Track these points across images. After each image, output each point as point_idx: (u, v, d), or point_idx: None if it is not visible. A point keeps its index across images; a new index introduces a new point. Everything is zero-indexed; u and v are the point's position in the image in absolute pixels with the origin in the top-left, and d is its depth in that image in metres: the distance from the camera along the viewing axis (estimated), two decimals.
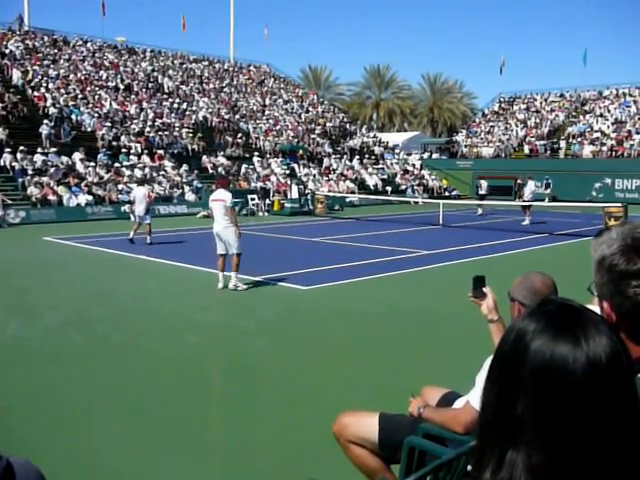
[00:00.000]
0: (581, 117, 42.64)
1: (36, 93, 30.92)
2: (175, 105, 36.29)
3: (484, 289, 3.16)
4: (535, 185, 23.12)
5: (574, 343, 0.91)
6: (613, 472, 0.90)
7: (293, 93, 48.69)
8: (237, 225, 10.04)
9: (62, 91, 31.89)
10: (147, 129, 31.53)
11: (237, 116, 39.05)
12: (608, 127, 39.39)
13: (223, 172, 30.44)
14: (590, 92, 45.70)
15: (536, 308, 1.00)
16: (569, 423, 0.89)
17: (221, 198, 10.12)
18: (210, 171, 30.70)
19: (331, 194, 29.52)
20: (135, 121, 32.12)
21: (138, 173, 27.28)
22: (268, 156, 35.25)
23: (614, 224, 17.77)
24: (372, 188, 35.35)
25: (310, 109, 45.83)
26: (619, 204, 20.18)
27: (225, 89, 42.98)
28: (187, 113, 35.94)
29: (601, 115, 41.52)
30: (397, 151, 45.12)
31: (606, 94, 44.59)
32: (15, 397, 5.40)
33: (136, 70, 39.65)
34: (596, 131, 39.50)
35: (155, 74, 40.26)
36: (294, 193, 27.30)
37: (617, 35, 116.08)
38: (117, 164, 27.38)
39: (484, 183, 27.90)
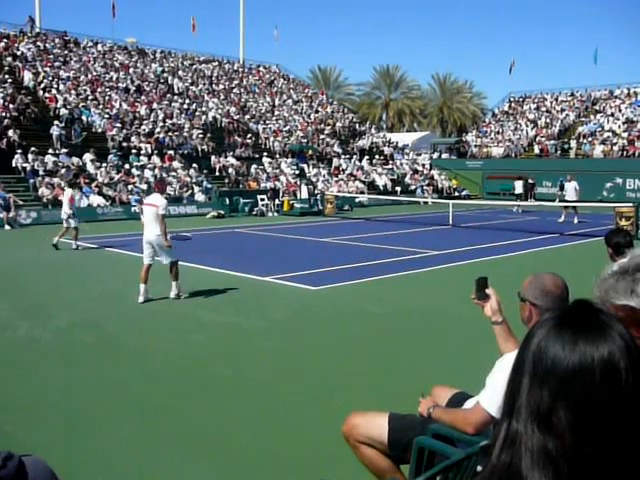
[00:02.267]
0: (592, 117, 42.40)
1: (47, 94, 31.11)
2: (185, 106, 36.40)
3: (487, 291, 3.14)
4: (575, 188, 23.05)
5: (569, 339, 0.95)
6: (625, 467, 0.92)
7: (302, 93, 48.72)
8: (166, 235, 9.20)
9: (73, 92, 32.08)
10: (157, 130, 31.65)
11: (247, 117, 39.12)
12: (619, 127, 39.13)
13: (234, 173, 30.53)
14: (601, 91, 45.43)
15: (557, 310, 1.04)
16: (555, 410, 0.93)
17: (153, 203, 9.34)
18: (220, 172, 30.79)
19: (340, 194, 29.50)
20: (145, 122, 32.25)
21: (148, 174, 27.41)
22: (278, 156, 35.29)
23: (625, 224, 17.68)
24: (381, 188, 35.31)
25: (319, 109, 45.84)
26: (630, 204, 20.03)
27: (235, 90, 43.06)
28: (197, 114, 36.04)
29: (612, 114, 41.27)
30: (407, 151, 45.03)
31: (617, 93, 44.30)
32: (25, 396, 5.44)
33: (146, 71, 39.81)
34: (607, 131, 39.27)
35: (165, 75, 40.41)
36: (304, 193, 27.32)
37: (628, 34, 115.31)
38: (127, 165, 27.51)
39: (518, 182, 28.35)
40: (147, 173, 27.50)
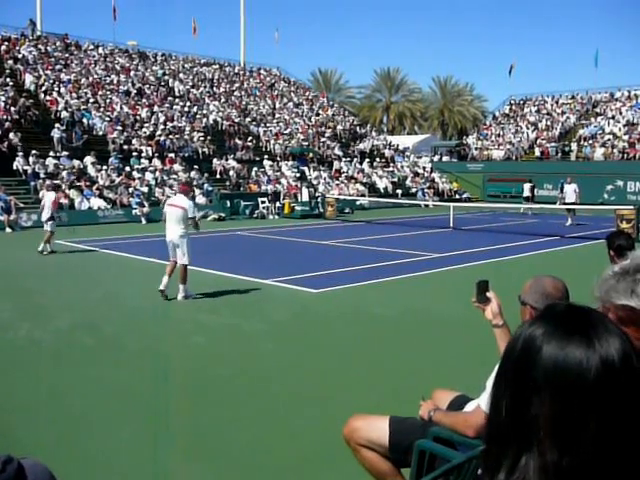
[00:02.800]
0: (592, 119, 42.40)
1: (48, 97, 31.15)
2: (186, 108, 36.44)
3: (488, 294, 3.14)
4: (575, 190, 23.07)
5: (587, 344, 0.91)
6: (626, 471, 0.90)
7: (303, 96, 48.77)
8: (196, 225, 9.74)
9: (74, 95, 32.11)
10: (158, 132, 31.68)
11: (247, 119, 39.15)
12: (620, 129, 39.12)
13: (235, 176, 30.55)
14: (601, 94, 45.42)
15: (543, 312, 1.01)
16: (583, 423, 0.89)
17: (179, 205, 9.64)
18: (220, 175, 30.82)
19: (341, 197, 29.50)
20: (146, 125, 32.29)
21: (149, 176, 27.45)
22: (278, 159, 35.31)
23: (626, 226, 17.67)
24: (382, 191, 35.31)
25: (320, 112, 45.87)
26: (631, 206, 20.02)
27: (235, 92, 43.11)
28: (198, 117, 36.08)
29: (613, 117, 41.26)
30: (407, 154, 45.05)
31: (618, 96, 44.30)
32: (25, 398, 5.43)
33: (147, 74, 39.86)
34: (608, 133, 39.26)
35: (166, 78, 40.46)
36: (304, 196, 27.32)
37: (629, 36, 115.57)
38: (128, 167, 27.53)
39: (527, 185, 28.41)
40: (148, 176, 27.53)
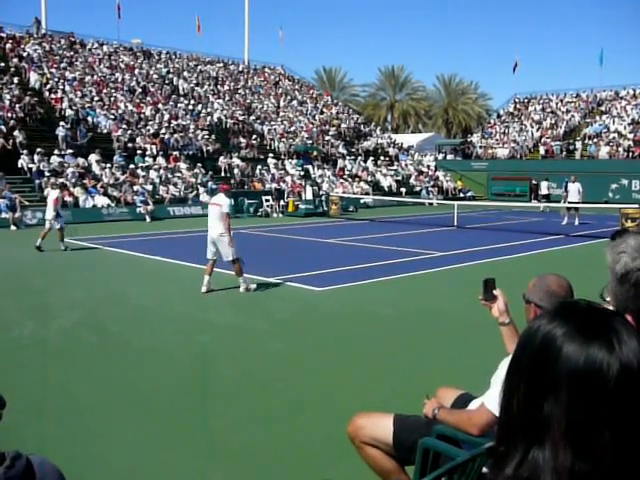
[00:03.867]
0: (597, 117, 42.29)
1: (53, 95, 31.21)
2: (190, 107, 36.48)
3: (495, 292, 3.14)
4: (579, 189, 23.03)
5: (608, 348, 0.91)
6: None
7: (307, 94, 48.75)
8: (230, 233, 9.85)
9: (78, 93, 32.17)
10: (162, 131, 31.71)
11: (252, 118, 39.15)
12: (625, 128, 39.02)
13: (239, 174, 30.55)
14: (606, 92, 45.31)
15: (561, 310, 0.99)
16: (599, 427, 0.89)
17: (218, 202, 10.01)
18: (225, 173, 30.83)
19: (345, 195, 29.51)
20: (150, 123, 32.32)
21: (153, 174, 27.48)
22: (283, 157, 35.31)
23: (630, 225, 17.62)
24: (386, 189, 35.30)
25: (324, 110, 45.85)
26: (636, 205, 19.98)
27: (240, 91, 43.12)
28: (202, 115, 36.11)
29: (618, 115, 41.15)
30: (411, 152, 45.00)
31: (623, 94, 44.18)
32: (30, 396, 5.45)
33: (151, 72, 39.89)
34: (612, 132, 39.16)
35: (170, 76, 40.50)
36: (308, 194, 27.32)
37: (634, 35, 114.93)
38: (132, 165, 27.57)
39: (544, 183, 28.58)
40: (152, 174, 27.56)
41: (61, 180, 22.75)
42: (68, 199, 23.16)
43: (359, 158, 38.65)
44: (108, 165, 26.77)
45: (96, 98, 32.51)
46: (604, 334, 0.92)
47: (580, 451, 0.89)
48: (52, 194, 15.52)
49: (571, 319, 0.96)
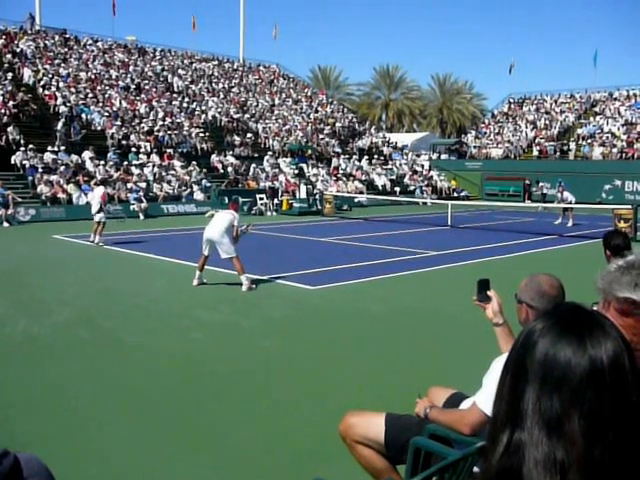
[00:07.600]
0: (591, 118, 42.44)
1: (47, 92, 31.08)
2: (184, 104, 36.40)
3: (489, 292, 3.15)
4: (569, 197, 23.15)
5: (578, 344, 0.94)
6: (618, 468, 0.91)
7: (302, 93, 48.72)
8: (237, 240, 10.33)
9: (72, 90, 32.04)
10: (156, 128, 31.64)
11: (246, 116, 39.10)
12: (618, 129, 39.17)
13: (233, 172, 30.50)
14: (600, 93, 45.46)
15: (550, 309, 1.05)
16: (567, 419, 0.93)
17: (229, 212, 10.65)
18: (219, 170, 30.79)
19: (339, 194, 29.50)
20: (145, 120, 32.24)
21: (147, 172, 27.40)
22: (277, 156, 35.28)
23: (623, 226, 17.67)
24: (380, 188, 35.32)
25: (319, 109, 45.84)
26: (629, 206, 20.03)
27: (234, 89, 43.05)
28: (196, 112, 36.04)
29: (611, 116, 41.31)
30: (406, 151, 45.04)
31: (616, 95, 44.34)
32: (23, 393, 5.43)
33: (146, 69, 39.79)
34: (606, 132, 39.30)
35: (165, 73, 40.40)
36: (302, 193, 27.32)
37: (628, 36, 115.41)
38: (126, 163, 27.49)
39: (543, 184, 28.81)
40: (146, 171, 27.50)
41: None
42: (61, 196, 23.10)
43: (353, 157, 38.66)
44: (102, 162, 26.67)
45: (90, 95, 32.40)
46: (577, 331, 0.96)
47: (554, 438, 0.93)
48: (98, 190, 16.14)
49: (553, 317, 1.01)
